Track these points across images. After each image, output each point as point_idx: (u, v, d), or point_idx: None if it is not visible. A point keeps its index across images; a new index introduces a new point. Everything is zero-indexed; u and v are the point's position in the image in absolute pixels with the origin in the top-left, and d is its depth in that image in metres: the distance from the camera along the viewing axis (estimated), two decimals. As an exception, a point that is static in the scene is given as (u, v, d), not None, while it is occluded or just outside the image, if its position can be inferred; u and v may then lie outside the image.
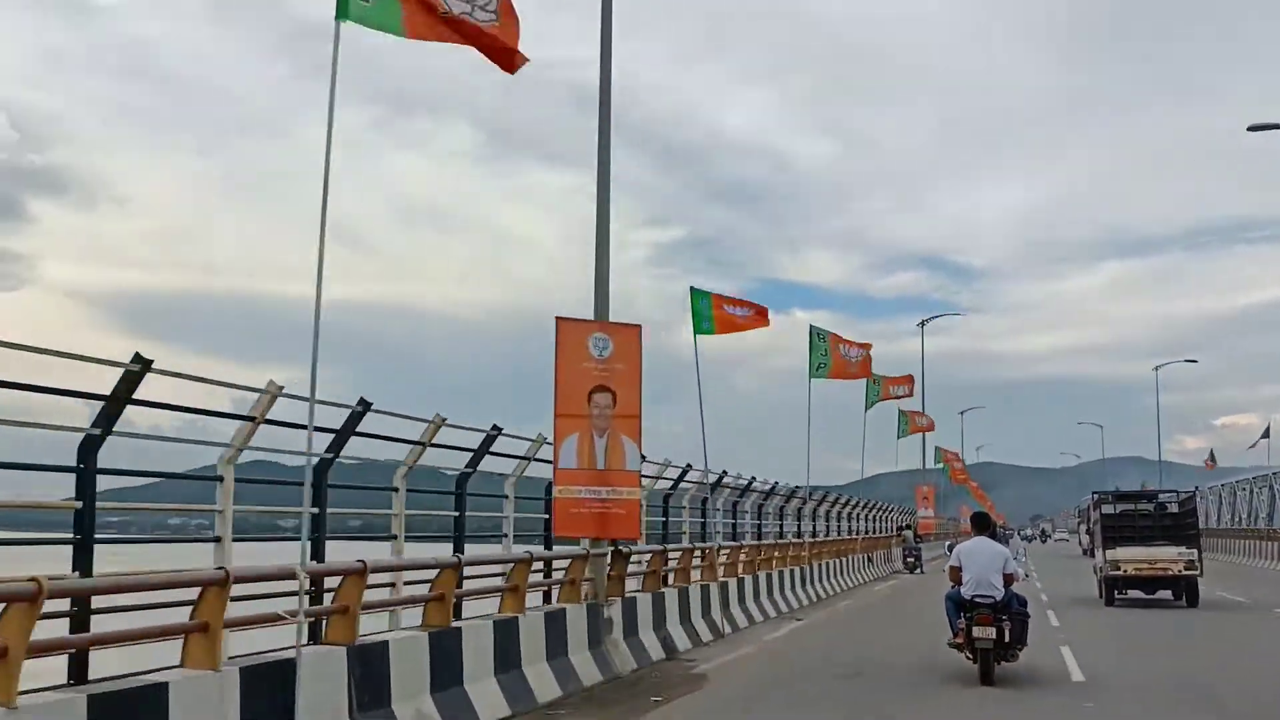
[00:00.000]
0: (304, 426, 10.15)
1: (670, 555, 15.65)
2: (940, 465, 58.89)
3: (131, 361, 7.32)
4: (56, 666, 6.27)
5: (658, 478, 18.30)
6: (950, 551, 13.38)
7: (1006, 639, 11.87)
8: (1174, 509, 24.26)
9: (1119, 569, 22.44)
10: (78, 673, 6.39)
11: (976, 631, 11.80)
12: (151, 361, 7.35)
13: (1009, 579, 12.20)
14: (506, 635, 9.75)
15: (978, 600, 12.01)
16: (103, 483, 7.24)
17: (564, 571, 12.19)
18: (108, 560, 7.20)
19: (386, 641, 7.97)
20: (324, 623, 7.77)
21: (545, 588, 12.42)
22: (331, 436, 10.18)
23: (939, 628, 14.05)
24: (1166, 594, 22.73)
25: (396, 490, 11.44)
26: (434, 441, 11.78)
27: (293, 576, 6.72)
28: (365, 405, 10.35)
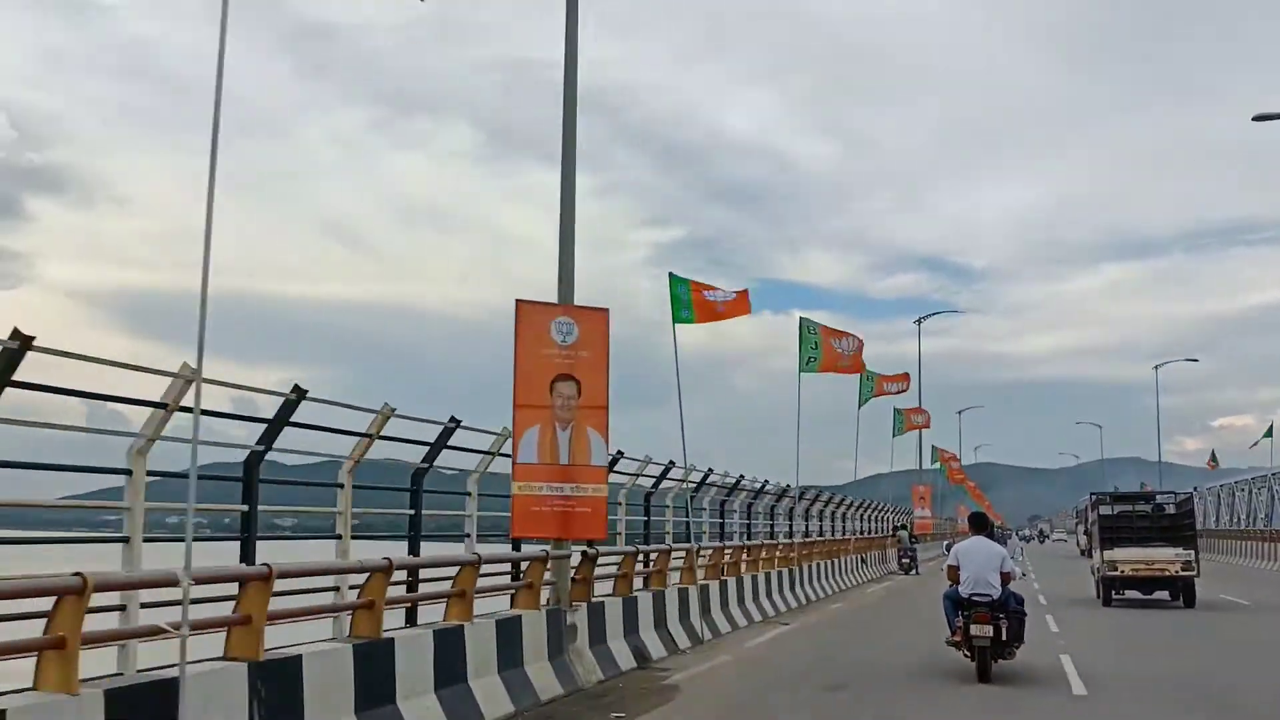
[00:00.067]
0: (229, 415, 9.46)
1: (644, 557, 14.74)
2: (938, 465, 58.00)
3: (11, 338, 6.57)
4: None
5: (638, 475, 17.45)
6: (948, 551, 13.49)
7: (1003, 637, 12.01)
8: (1171, 510, 24.41)
9: (1116, 569, 22.46)
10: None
11: (974, 629, 11.93)
12: (33, 338, 6.56)
13: (1006, 578, 12.32)
14: (449, 646, 8.83)
15: (975, 599, 12.13)
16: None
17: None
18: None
19: (300, 656, 7.05)
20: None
21: (512, 592, 11.53)
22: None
23: (934, 631, 14.21)
24: (1164, 594, 22.73)
25: (342, 486, 10.58)
26: (385, 434, 10.93)
27: (174, 583, 5.79)
28: (300, 393, 9.45)
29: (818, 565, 26.06)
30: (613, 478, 16.73)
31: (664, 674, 12.43)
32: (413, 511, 11.83)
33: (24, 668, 5.86)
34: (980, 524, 13.41)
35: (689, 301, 15.88)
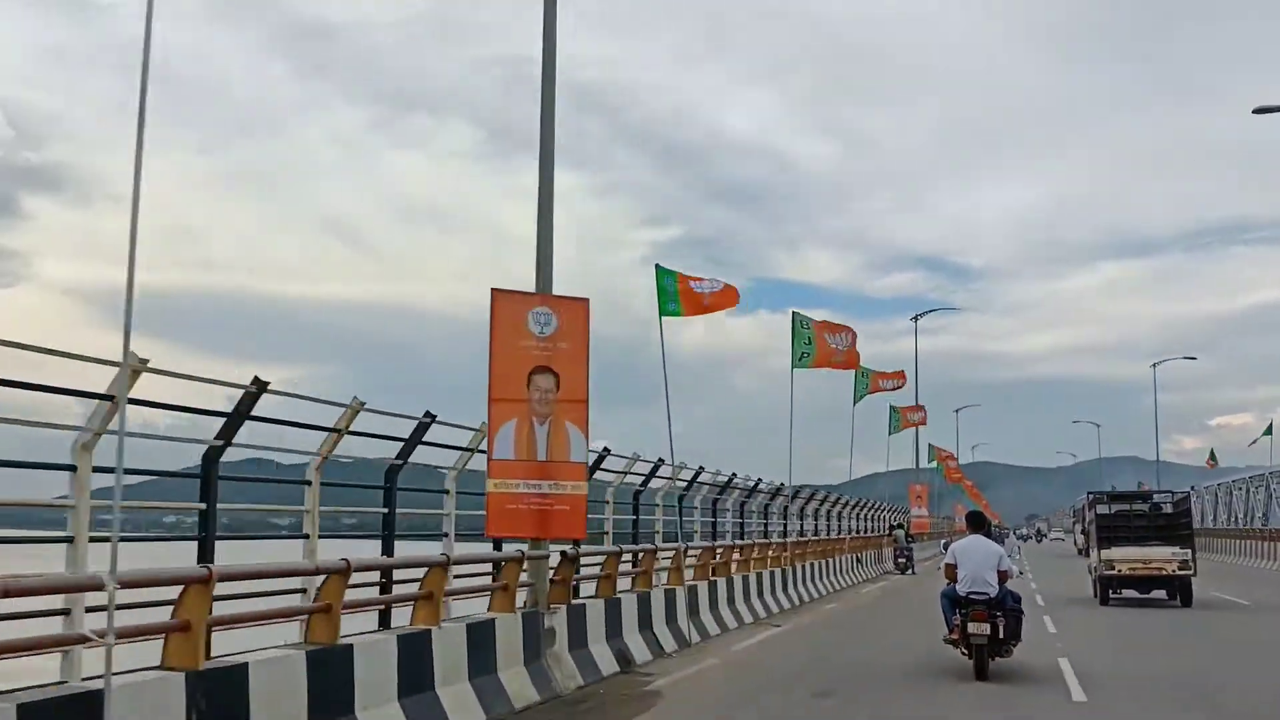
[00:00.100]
0: (184, 409, 8.99)
1: (631, 557, 14.28)
2: (934, 464, 57.60)
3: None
4: None
5: (625, 473, 17.00)
6: (946, 550, 13.62)
7: (1001, 635, 12.07)
8: (1168, 509, 24.54)
9: (1114, 569, 22.52)
10: None
11: (971, 627, 11.99)
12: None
13: (1003, 576, 12.39)
14: (415, 651, 8.36)
15: (973, 597, 12.19)
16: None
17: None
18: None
19: (245, 664, 6.57)
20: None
21: (488, 594, 11.07)
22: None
23: (930, 630, 14.24)
24: (1161, 594, 22.79)
25: (309, 484, 10.12)
26: (357, 430, 10.49)
27: (99, 587, 5.32)
28: (260, 385, 8.98)
29: (811, 565, 25.60)
30: (600, 475, 16.34)
31: (647, 679, 11.97)
32: (386, 510, 11.41)
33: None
34: (978, 523, 13.46)
35: (675, 293, 15.42)
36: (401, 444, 11.51)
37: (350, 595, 9.27)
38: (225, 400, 9.76)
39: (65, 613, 6.62)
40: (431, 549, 12.09)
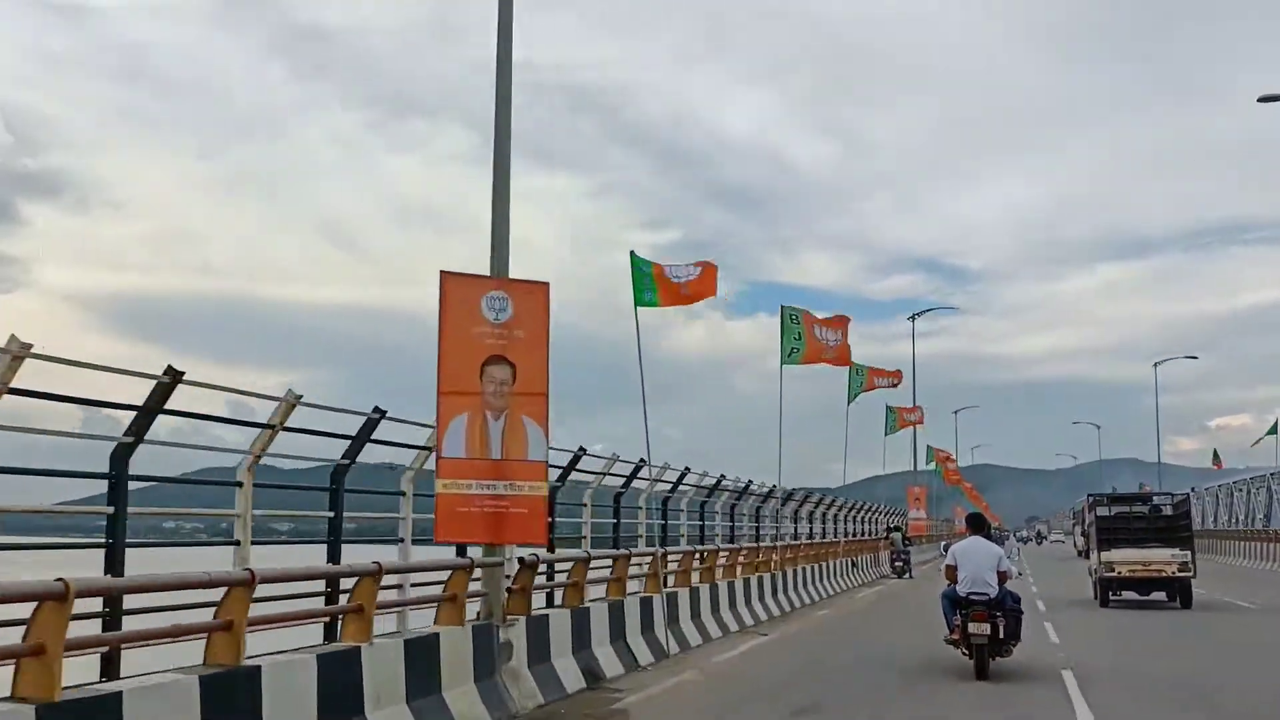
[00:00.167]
0: (83, 401, 8.07)
1: (599, 563, 13.36)
2: (933, 466, 56.70)
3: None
4: None
5: (604, 474, 16.10)
6: (946, 551, 13.80)
7: (1001, 635, 12.22)
8: (1168, 511, 24.70)
9: (1113, 570, 22.62)
10: None
11: (972, 628, 12.12)
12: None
13: (1003, 577, 12.52)
14: (339, 672, 7.43)
15: (973, 597, 12.33)
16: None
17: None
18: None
19: (119, 693, 5.64)
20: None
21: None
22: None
23: (927, 637, 14.44)
24: (1160, 595, 22.88)
25: (240, 485, 9.20)
26: (290, 426, 9.57)
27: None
28: (174, 375, 8.08)
29: (803, 570, 24.65)
30: (577, 477, 15.43)
31: (616, 695, 11.04)
32: (332, 514, 10.50)
33: None
34: (978, 524, 13.56)
35: (653, 285, 14.49)
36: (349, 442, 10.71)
37: (279, 609, 8.41)
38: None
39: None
40: (388, 555, 11.22)
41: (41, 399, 7.20)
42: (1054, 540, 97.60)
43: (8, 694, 5.26)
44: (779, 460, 23.87)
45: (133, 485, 9.45)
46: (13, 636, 5.38)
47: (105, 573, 7.58)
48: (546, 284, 10.38)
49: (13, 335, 6.68)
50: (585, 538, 15.73)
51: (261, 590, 9.21)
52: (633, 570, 14.59)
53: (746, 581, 19.43)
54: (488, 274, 10.60)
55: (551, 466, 14.43)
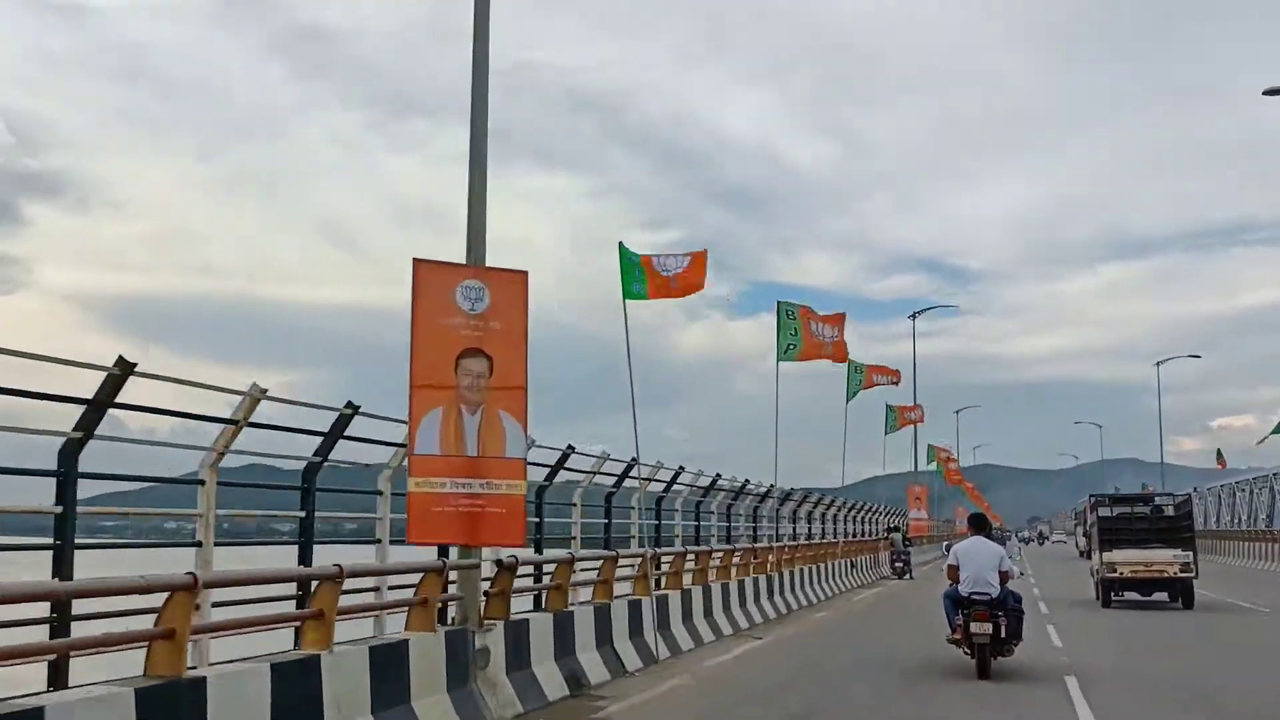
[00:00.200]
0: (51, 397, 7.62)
1: (584, 564, 12.91)
2: (934, 465, 56.19)
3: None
4: None
5: (594, 473, 15.65)
6: (948, 551, 13.86)
7: (1002, 634, 12.29)
8: (1170, 512, 24.69)
9: (1115, 571, 22.64)
10: None
11: (974, 627, 12.20)
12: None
13: (1004, 577, 12.58)
14: (295, 683, 6.96)
15: (975, 597, 12.40)
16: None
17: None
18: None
19: (41, 708, 5.18)
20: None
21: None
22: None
23: (926, 640, 14.46)
24: (1162, 596, 22.90)
25: (202, 484, 8.75)
26: (257, 422, 9.14)
27: None
28: (126, 367, 7.64)
29: (801, 571, 24.17)
30: (566, 476, 14.98)
31: (600, 704, 10.56)
32: (303, 513, 10.06)
33: None
34: (980, 524, 13.64)
35: (643, 277, 14.02)
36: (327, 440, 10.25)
37: (236, 614, 7.97)
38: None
39: None
40: (365, 555, 10.77)
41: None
42: (1056, 540, 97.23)
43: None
44: (775, 459, 23.38)
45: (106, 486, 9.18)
46: None
47: (53, 576, 7.19)
48: (525, 273, 9.92)
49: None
50: (575, 538, 15.29)
51: (231, 594, 8.86)
52: (624, 572, 14.17)
53: (741, 583, 18.96)
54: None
55: (537, 465, 14.08)
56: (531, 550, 13.59)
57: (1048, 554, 67.02)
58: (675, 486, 19.23)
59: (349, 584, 9.68)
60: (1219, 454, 64.06)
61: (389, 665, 8.05)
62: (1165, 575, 22.32)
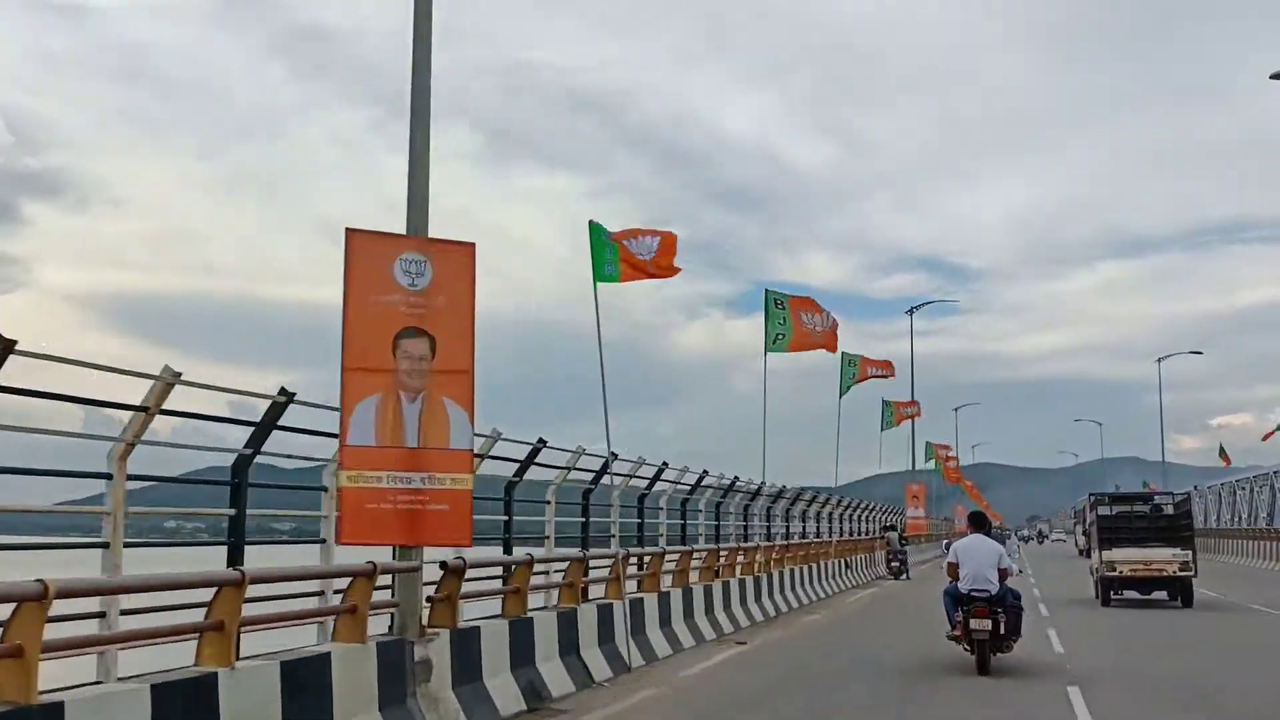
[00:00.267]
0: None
1: (546, 567, 11.98)
2: (932, 463, 55.35)
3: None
4: None
5: (569, 469, 14.73)
6: (948, 549, 13.98)
7: (1002, 630, 12.45)
8: (1169, 510, 24.71)
9: (1115, 570, 22.61)
10: None
11: (973, 624, 12.34)
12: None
13: (1004, 574, 12.72)
14: (183, 705, 6.02)
15: (974, 594, 12.52)
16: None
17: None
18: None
19: None
20: None
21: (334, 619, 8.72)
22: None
23: (923, 644, 14.51)
24: (1162, 595, 22.87)
25: (109, 478, 7.83)
26: (169, 409, 8.21)
27: None
28: (5, 344, 6.72)
29: (792, 571, 23.24)
30: (540, 474, 14.08)
31: (560, 718, 9.65)
32: (233, 511, 9.12)
33: None
34: (979, 522, 13.77)
35: (614, 256, 13.09)
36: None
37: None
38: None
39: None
40: (310, 557, 9.85)
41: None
42: (1055, 539, 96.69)
43: None
44: (763, 454, 22.54)
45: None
46: None
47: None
48: (472, 245, 8.98)
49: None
50: (549, 537, 14.40)
51: (149, 601, 7.92)
52: (599, 574, 13.28)
53: (726, 585, 18.03)
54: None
55: (507, 460, 13.19)
56: (501, 551, 12.73)
57: (1047, 553, 66.28)
58: (659, 484, 18.37)
59: (291, 589, 8.84)
60: (1222, 450, 63.25)
61: (307, 683, 7.12)
62: (1164, 574, 22.32)
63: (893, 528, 38.60)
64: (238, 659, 6.83)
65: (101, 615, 7.59)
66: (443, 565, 9.14)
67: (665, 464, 18.50)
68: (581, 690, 10.98)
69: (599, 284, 13.05)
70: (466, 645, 9.21)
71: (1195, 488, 53.96)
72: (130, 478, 8.04)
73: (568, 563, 12.26)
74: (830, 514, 32.02)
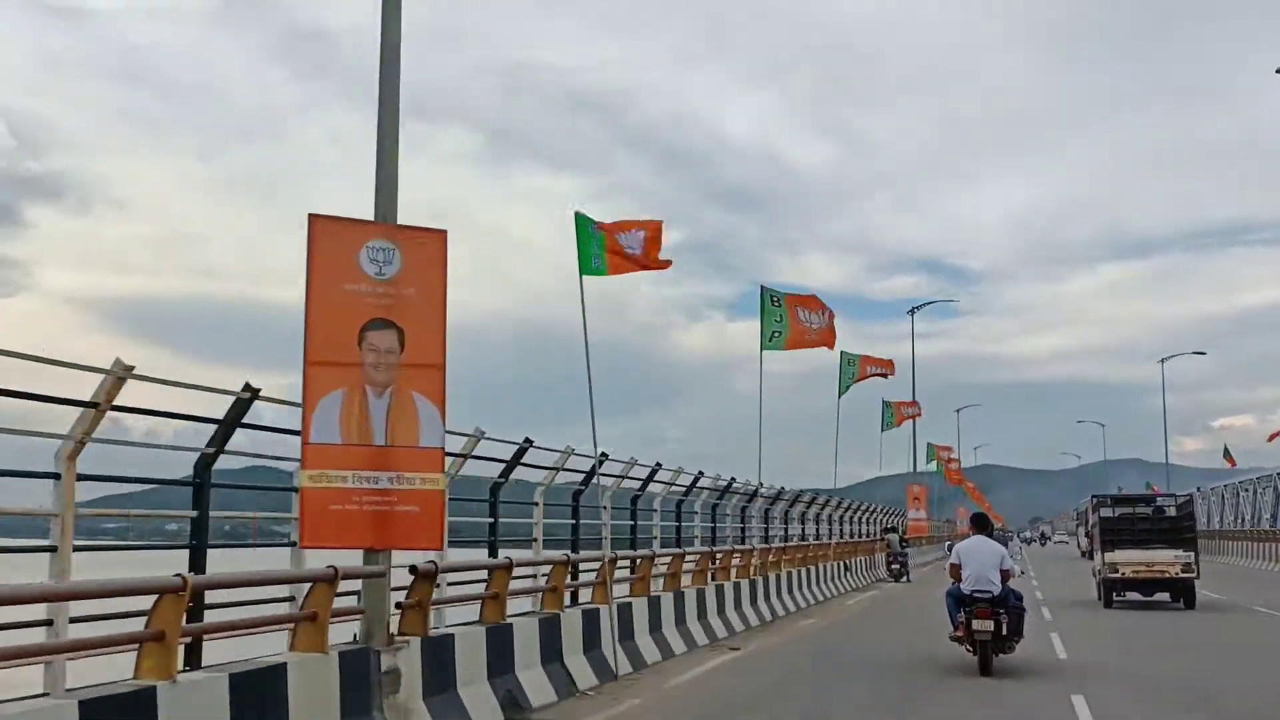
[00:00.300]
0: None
1: (532, 571, 11.53)
2: (934, 465, 54.87)
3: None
4: None
5: (558, 469, 14.29)
6: (950, 550, 14.05)
7: (1004, 631, 12.51)
8: (1172, 512, 24.63)
9: (1117, 571, 22.59)
10: None
11: (976, 624, 12.40)
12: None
13: (1006, 575, 12.77)
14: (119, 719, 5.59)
15: (976, 595, 12.59)
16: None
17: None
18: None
19: None
20: None
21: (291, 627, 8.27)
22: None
23: (924, 649, 14.48)
24: (1164, 596, 22.86)
25: (58, 478, 7.39)
26: (120, 405, 7.77)
27: None
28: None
29: (789, 574, 22.78)
30: (528, 474, 13.65)
31: (538, 730, 9.21)
32: (195, 513, 8.67)
33: None
34: (982, 524, 13.82)
35: (600, 248, 12.63)
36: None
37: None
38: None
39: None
40: (280, 561, 9.40)
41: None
42: (1058, 541, 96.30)
43: None
44: (759, 455, 22.05)
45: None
46: None
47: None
48: (443, 232, 8.53)
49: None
50: (537, 540, 13.96)
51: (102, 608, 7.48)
52: (587, 578, 12.85)
53: (720, 589, 17.57)
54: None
55: (493, 460, 12.76)
56: (487, 554, 12.31)
57: (1049, 554, 65.89)
58: (653, 486, 17.94)
59: (264, 594, 8.41)
60: (1226, 451, 62.69)
61: (262, 695, 6.68)
62: (1167, 576, 22.30)
63: (893, 530, 38.12)
64: (198, 669, 6.41)
65: (49, 623, 7.20)
66: (412, 570, 8.69)
67: (659, 465, 18.07)
68: (565, 699, 10.53)
69: (585, 277, 12.57)
70: (439, 654, 8.76)
71: (1198, 489, 53.83)
72: (80, 478, 7.66)
73: (552, 566, 11.80)
74: (829, 516, 31.57)
